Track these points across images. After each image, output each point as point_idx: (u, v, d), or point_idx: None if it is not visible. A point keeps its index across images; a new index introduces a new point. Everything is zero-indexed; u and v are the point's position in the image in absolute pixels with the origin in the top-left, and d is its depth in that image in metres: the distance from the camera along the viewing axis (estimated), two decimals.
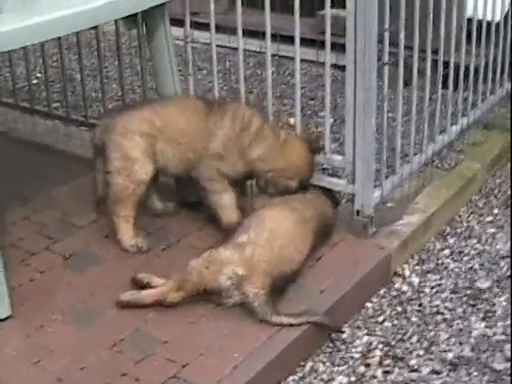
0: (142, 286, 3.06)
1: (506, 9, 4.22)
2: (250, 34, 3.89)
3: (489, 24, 4.07)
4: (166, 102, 3.40)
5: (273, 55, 3.67)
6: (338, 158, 3.42)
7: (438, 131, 3.80)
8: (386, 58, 3.25)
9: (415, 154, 3.65)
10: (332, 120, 4.65)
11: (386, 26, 3.17)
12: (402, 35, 3.33)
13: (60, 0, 2.95)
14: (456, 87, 3.91)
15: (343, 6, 3.26)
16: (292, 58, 4.00)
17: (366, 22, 3.07)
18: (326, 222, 3.32)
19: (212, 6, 3.52)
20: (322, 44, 3.59)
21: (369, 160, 3.27)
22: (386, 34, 3.19)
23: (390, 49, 3.29)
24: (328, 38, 3.32)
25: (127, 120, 3.27)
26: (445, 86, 3.82)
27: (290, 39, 3.75)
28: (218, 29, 3.68)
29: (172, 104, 3.35)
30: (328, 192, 3.42)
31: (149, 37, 3.45)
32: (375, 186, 3.38)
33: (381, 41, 3.20)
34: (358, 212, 3.37)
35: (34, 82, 5.00)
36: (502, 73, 4.31)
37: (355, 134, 3.27)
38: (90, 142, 3.40)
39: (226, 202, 3.32)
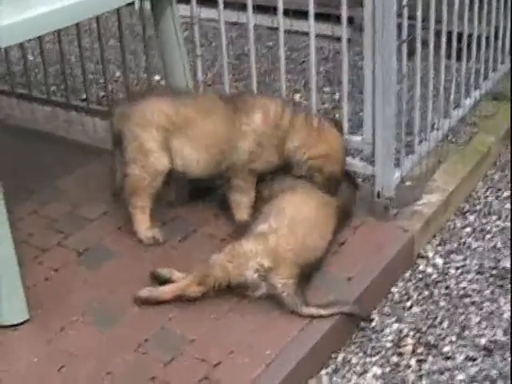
0: (163, 281, 2.96)
1: None
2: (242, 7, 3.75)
3: None
4: (185, 97, 3.23)
5: (270, 28, 3.55)
6: (357, 138, 3.32)
7: (452, 106, 3.70)
8: (404, 35, 3.12)
9: (431, 131, 3.54)
10: (338, 96, 4.58)
11: (405, 1, 3.04)
12: (419, 11, 3.20)
13: None
14: (468, 59, 3.79)
15: None
16: (290, 32, 3.91)
17: None
18: (347, 203, 3.22)
19: None
20: (319, 16, 3.49)
21: (389, 141, 3.17)
22: (405, 10, 3.06)
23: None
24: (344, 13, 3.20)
25: (145, 110, 3.13)
26: (458, 58, 3.71)
27: (287, 12, 3.64)
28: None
29: (192, 104, 3.18)
30: (346, 173, 3.31)
31: (156, 18, 3.32)
32: (395, 167, 3.28)
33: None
34: (378, 194, 3.28)
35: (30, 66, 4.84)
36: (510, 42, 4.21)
37: (374, 114, 3.16)
38: (109, 131, 3.28)
39: (244, 202, 3.23)
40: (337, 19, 3.59)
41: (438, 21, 3.42)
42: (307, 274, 2.91)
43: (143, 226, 3.22)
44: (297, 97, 4.60)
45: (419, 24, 3.24)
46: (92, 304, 2.92)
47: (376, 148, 3.21)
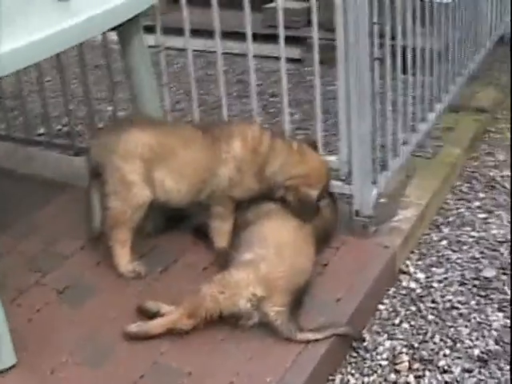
0: (151, 315, 2.90)
1: None
2: (194, 33, 3.72)
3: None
4: (164, 127, 3.20)
5: (223, 53, 3.55)
6: (333, 158, 3.32)
7: (418, 120, 3.74)
8: (375, 53, 3.14)
9: (401, 146, 3.57)
10: (298, 116, 4.60)
11: (375, 19, 3.07)
12: (387, 27, 3.23)
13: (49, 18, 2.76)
14: (430, 73, 3.85)
15: None
16: (242, 55, 3.89)
17: (357, 15, 2.96)
18: (327, 223, 3.21)
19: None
20: (270, 38, 3.49)
21: (366, 158, 3.19)
22: (375, 28, 3.09)
23: None
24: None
25: (127, 141, 3.08)
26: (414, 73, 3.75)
27: (237, 36, 3.62)
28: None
29: (171, 134, 3.15)
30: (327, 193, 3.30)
31: (124, 48, 3.27)
32: (372, 184, 3.29)
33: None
34: (356, 212, 3.28)
35: None
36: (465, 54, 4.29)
37: (350, 133, 3.17)
38: (85, 162, 3.22)
39: (224, 229, 3.20)
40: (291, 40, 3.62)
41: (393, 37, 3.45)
42: (298, 299, 2.88)
43: (124, 260, 3.15)
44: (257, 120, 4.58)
45: (387, 42, 3.27)
46: (80, 343, 2.83)
47: (353, 166, 3.21)
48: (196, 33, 3.84)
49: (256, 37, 3.49)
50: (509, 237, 3.53)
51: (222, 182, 3.11)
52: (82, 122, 4.14)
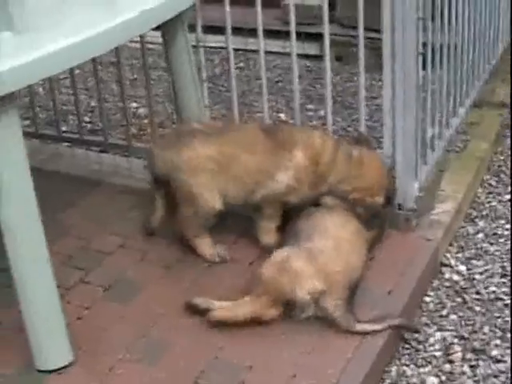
0: (200, 312, 2.89)
1: None
2: (210, 29, 3.71)
3: None
4: (224, 135, 3.17)
5: (237, 50, 3.56)
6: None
7: (451, 115, 3.77)
8: (420, 47, 3.16)
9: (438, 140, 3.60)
10: (323, 112, 4.60)
11: (420, 14, 3.08)
12: (429, 22, 3.25)
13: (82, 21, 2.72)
14: (461, 68, 3.88)
15: None
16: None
17: (404, 9, 2.98)
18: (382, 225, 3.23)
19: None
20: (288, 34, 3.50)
21: (410, 153, 3.20)
22: (420, 23, 3.10)
23: None
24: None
25: (191, 157, 3.11)
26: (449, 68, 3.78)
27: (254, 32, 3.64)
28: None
29: (232, 141, 3.15)
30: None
31: (168, 48, 3.26)
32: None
33: None
34: (399, 206, 3.30)
35: None
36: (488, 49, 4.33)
37: (395, 127, 3.18)
38: (148, 170, 3.29)
39: (270, 227, 3.22)
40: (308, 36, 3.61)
41: None
42: (353, 293, 2.89)
43: (206, 245, 3.21)
44: (281, 116, 4.60)
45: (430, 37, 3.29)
46: (134, 340, 2.82)
47: (397, 160, 3.23)
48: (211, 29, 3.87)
49: (275, 33, 3.50)
50: None
51: (279, 187, 3.11)
52: (103, 119, 4.09)
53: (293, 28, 3.35)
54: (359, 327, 2.77)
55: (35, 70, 2.49)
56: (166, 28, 3.20)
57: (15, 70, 2.39)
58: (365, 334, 2.77)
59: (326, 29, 3.29)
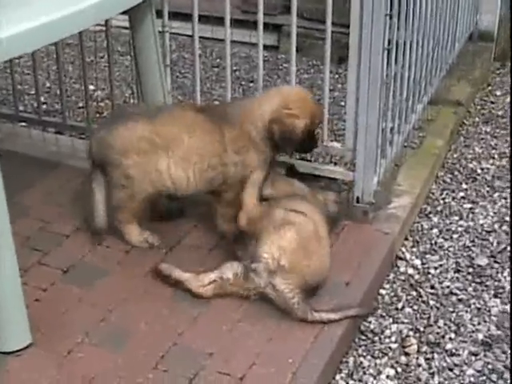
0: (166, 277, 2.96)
1: None
2: (173, 16, 3.71)
3: None
4: (163, 115, 3.11)
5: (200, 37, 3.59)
6: (337, 145, 3.37)
7: (410, 111, 3.83)
8: (386, 43, 3.20)
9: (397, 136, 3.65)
10: None
11: (388, 11, 3.12)
12: (395, 19, 3.29)
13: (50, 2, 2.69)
14: (421, 66, 3.94)
15: None
16: (218, 40, 3.88)
17: (373, 6, 3.01)
18: (336, 214, 3.26)
19: None
20: (247, 23, 3.52)
21: (372, 147, 3.24)
22: (387, 20, 3.14)
23: None
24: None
25: (125, 137, 3.06)
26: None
27: (216, 20, 3.61)
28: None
29: (171, 119, 3.10)
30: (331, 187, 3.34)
31: (134, 33, 3.24)
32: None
33: None
34: (357, 199, 3.34)
35: None
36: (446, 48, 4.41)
37: (357, 121, 3.22)
38: (87, 155, 3.20)
39: (229, 213, 3.15)
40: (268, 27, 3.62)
41: None
42: (312, 291, 2.91)
43: (134, 232, 3.19)
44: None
45: (395, 33, 3.33)
46: (94, 324, 2.81)
47: (358, 154, 3.27)
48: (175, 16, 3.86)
49: (233, 22, 3.53)
50: (496, 226, 3.65)
51: (230, 169, 3.10)
52: (59, 100, 4.05)
53: (260, 19, 3.35)
54: (316, 315, 2.79)
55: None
56: (134, 12, 3.18)
57: None
58: (321, 322, 2.80)
59: (294, 23, 3.29)
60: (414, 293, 3.23)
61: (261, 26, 3.37)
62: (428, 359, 2.89)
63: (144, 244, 3.18)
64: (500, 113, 4.79)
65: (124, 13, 3.09)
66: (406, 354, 2.91)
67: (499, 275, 3.33)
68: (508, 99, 4.93)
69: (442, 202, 3.85)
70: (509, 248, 3.50)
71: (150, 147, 3.05)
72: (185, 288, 2.91)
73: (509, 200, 3.85)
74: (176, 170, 3.08)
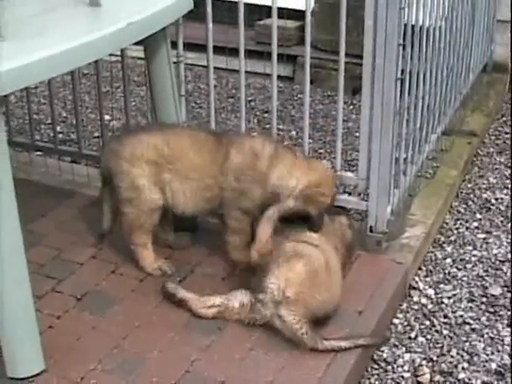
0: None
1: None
2: (188, 47, 3.76)
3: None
4: (176, 131, 3.20)
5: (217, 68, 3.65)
6: (350, 175, 3.39)
7: (424, 141, 3.84)
8: (399, 73, 3.22)
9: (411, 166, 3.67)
10: (295, 133, 4.67)
11: (401, 41, 3.15)
12: (408, 49, 3.32)
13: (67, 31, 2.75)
14: (435, 96, 3.96)
15: (280, 17, 3.39)
16: (234, 71, 3.93)
17: (386, 36, 3.04)
18: (349, 245, 3.26)
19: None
20: (262, 54, 3.55)
21: (385, 176, 3.26)
22: (400, 50, 3.17)
23: None
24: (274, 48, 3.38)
25: (134, 145, 3.11)
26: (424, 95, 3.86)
27: (231, 52, 3.63)
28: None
29: (182, 135, 3.17)
30: (341, 211, 3.35)
31: (150, 61, 3.27)
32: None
33: None
34: (371, 228, 3.35)
35: None
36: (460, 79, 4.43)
37: (371, 150, 3.24)
38: (99, 169, 3.26)
39: (237, 242, 3.19)
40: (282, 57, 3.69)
41: None
42: (321, 321, 2.91)
43: (148, 260, 3.21)
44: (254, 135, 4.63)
45: (408, 63, 3.36)
46: (107, 351, 2.82)
47: (371, 184, 3.28)
48: (190, 47, 3.91)
49: (248, 53, 3.58)
50: (509, 256, 3.65)
51: (226, 191, 3.12)
52: (75, 129, 4.09)
53: (274, 50, 3.38)
54: (326, 344, 2.79)
55: (15, 78, 2.47)
56: (149, 42, 3.22)
57: None
58: (332, 351, 2.79)
59: (307, 53, 3.32)
60: (427, 322, 3.22)
61: (275, 57, 3.39)
62: None
63: (157, 272, 3.19)
64: None
65: (139, 43, 3.16)
66: (419, 383, 2.91)
67: None
68: None
69: (455, 231, 3.85)
70: None
71: (158, 158, 3.09)
72: (188, 308, 2.96)
73: None
74: (174, 182, 3.11)
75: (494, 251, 3.69)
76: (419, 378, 2.92)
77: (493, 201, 4.13)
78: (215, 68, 3.52)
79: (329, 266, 2.92)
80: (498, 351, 3.06)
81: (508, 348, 3.07)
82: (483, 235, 3.82)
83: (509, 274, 3.53)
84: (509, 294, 3.39)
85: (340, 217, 3.24)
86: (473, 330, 3.18)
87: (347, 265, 3.22)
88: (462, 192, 4.19)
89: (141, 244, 3.19)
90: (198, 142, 3.16)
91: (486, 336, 3.14)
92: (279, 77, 5.14)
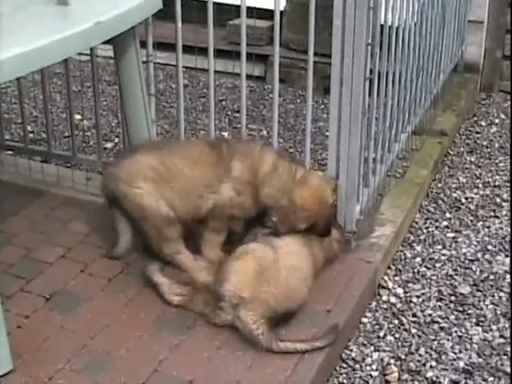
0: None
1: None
2: (159, 46, 3.75)
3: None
4: (171, 148, 3.25)
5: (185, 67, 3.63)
6: (320, 174, 3.40)
7: (393, 141, 3.86)
8: (367, 73, 3.23)
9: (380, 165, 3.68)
10: (266, 132, 4.68)
11: (369, 40, 3.16)
12: (377, 49, 3.33)
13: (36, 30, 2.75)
14: (405, 96, 3.98)
15: (250, 16, 3.43)
16: (204, 70, 3.94)
17: (354, 35, 3.06)
18: (332, 257, 3.28)
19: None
20: (233, 54, 3.56)
21: (354, 176, 3.27)
22: (369, 49, 3.18)
23: None
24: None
25: (131, 166, 3.15)
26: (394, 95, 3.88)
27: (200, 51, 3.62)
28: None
29: (177, 151, 3.20)
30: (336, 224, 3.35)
31: (119, 60, 3.26)
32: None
33: None
34: (340, 227, 3.36)
35: None
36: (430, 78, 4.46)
37: (339, 151, 3.25)
38: (101, 192, 3.30)
39: (215, 241, 3.23)
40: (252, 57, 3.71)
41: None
42: (282, 319, 2.92)
43: (188, 260, 3.21)
44: (224, 135, 4.64)
45: (377, 63, 3.37)
46: (75, 350, 2.81)
47: (340, 183, 3.29)
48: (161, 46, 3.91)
49: (219, 53, 3.58)
50: (479, 255, 3.68)
51: (222, 200, 3.13)
52: (46, 129, 4.06)
53: (243, 49, 3.39)
54: (281, 345, 2.79)
55: None
56: (118, 41, 3.21)
57: None
58: (287, 353, 2.79)
59: (277, 52, 3.33)
60: (396, 321, 3.24)
61: (244, 57, 3.39)
62: None
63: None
64: (485, 143, 4.84)
65: (108, 42, 3.15)
66: (387, 382, 2.92)
67: (481, 304, 3.35)
68: (493, 129, 5.00)
69: (425, 231, 3.88)
70: (491, 277, 3.52)
71: (156, 176, 3.12)
72: (160, 292, 3.02)
73: (492, 229, 3.89)
74: (174, 197, 3.13)
75: (464, 250, 3.72)
76: (387, 377, 2.94)
77: (463, 200, 4.16)
78: (187, 68, 3.53)
79: (284, 264, 2.94)
80: (466, 350, 3.08)
81: (476, 347, 3.10)
82: (453, 234, 3.85)
83: (478, 272, 3.55)
84: (477, 293, 3.42)
85: (333, 230, 3.24)
86: (441, 328, 3.20)
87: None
88: (432, 191, 4.22)
89: (174, 252, 3.21)
90: (193, 157, 3.17)
91: (454, 334, 3.17)
92: (251, 76, 5.18)
